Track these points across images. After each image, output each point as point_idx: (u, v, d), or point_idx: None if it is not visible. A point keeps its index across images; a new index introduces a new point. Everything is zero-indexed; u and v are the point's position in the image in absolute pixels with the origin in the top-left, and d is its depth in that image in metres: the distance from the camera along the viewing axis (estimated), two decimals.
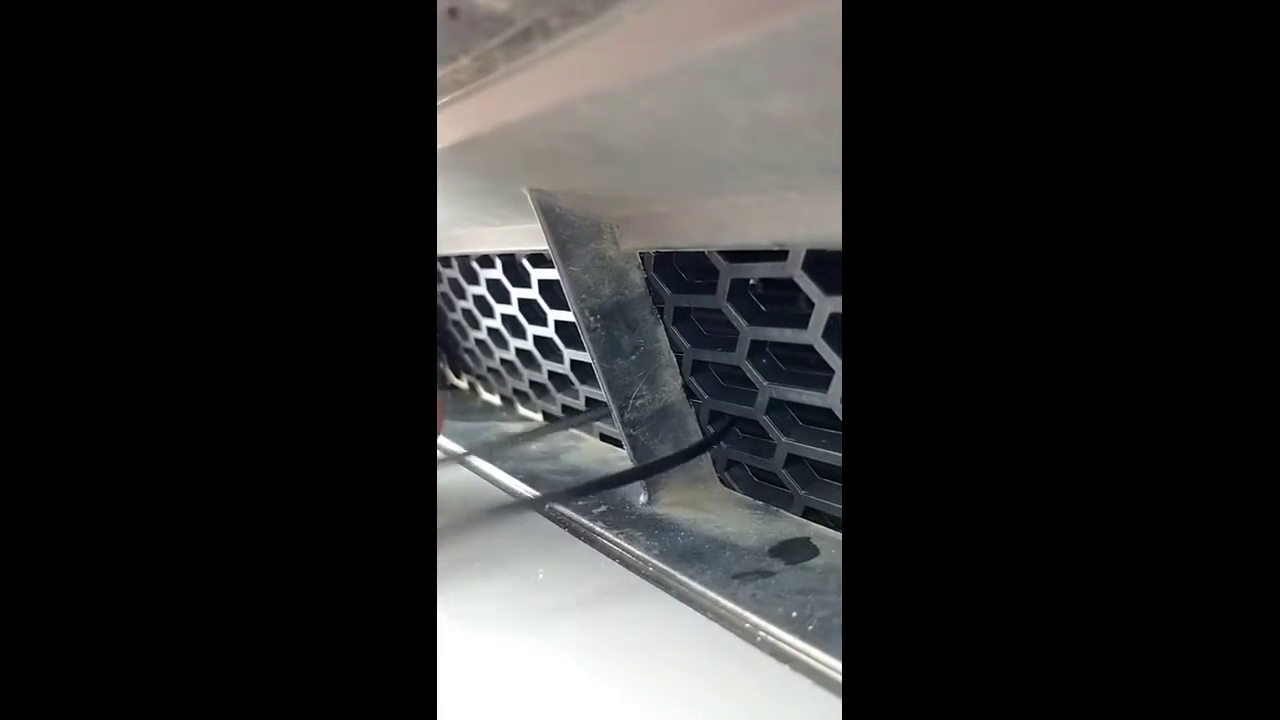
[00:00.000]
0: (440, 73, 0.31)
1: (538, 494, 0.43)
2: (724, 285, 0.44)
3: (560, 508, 0.52)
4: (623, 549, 0.45)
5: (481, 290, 0.72)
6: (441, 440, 0.66)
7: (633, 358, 0.48)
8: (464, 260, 0.72)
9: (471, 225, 0.63)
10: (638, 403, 0.48)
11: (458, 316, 0.80)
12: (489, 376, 0.84)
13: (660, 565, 0.42)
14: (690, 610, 0.38)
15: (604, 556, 0.45)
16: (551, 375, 0.69)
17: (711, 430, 0.49)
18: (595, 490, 0.43)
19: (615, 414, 0.48)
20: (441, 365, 0.92)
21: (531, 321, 0.67)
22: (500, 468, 0.62)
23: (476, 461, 0.65)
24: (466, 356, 0.86)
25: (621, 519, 0.49)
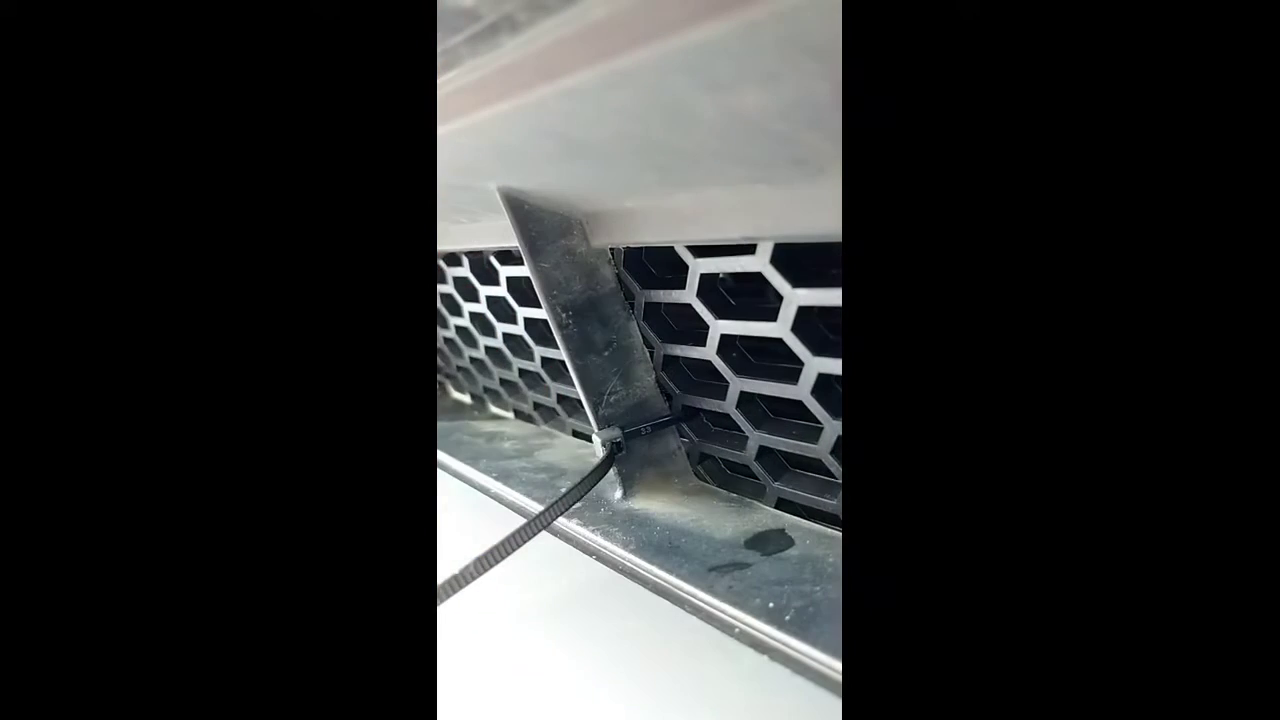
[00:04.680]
0: None
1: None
2: (693, 280, 0.44)
3: (534, 504, 0.52)
4: (599, 544, 0.45)
5: (449, 289, 0.71)
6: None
7: (606, 354, 0.48)
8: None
9: (438, 222, 0.63)
10: (612, 398, 0.48)
11: None
12: (459, 375, 0.83)
13: (637, 559, 0.42)
14: (667, 603, 0.38)
15: (580, 552, 0.45)
16: (522, 373, 0.68)
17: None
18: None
19: (589, 410, 0.48)
20: None
21: (501, 319, 0.66)
22: (474, 467, 0.62)
23: (448, 460, 0.65)
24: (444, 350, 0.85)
25: (597, 514, 0.49)
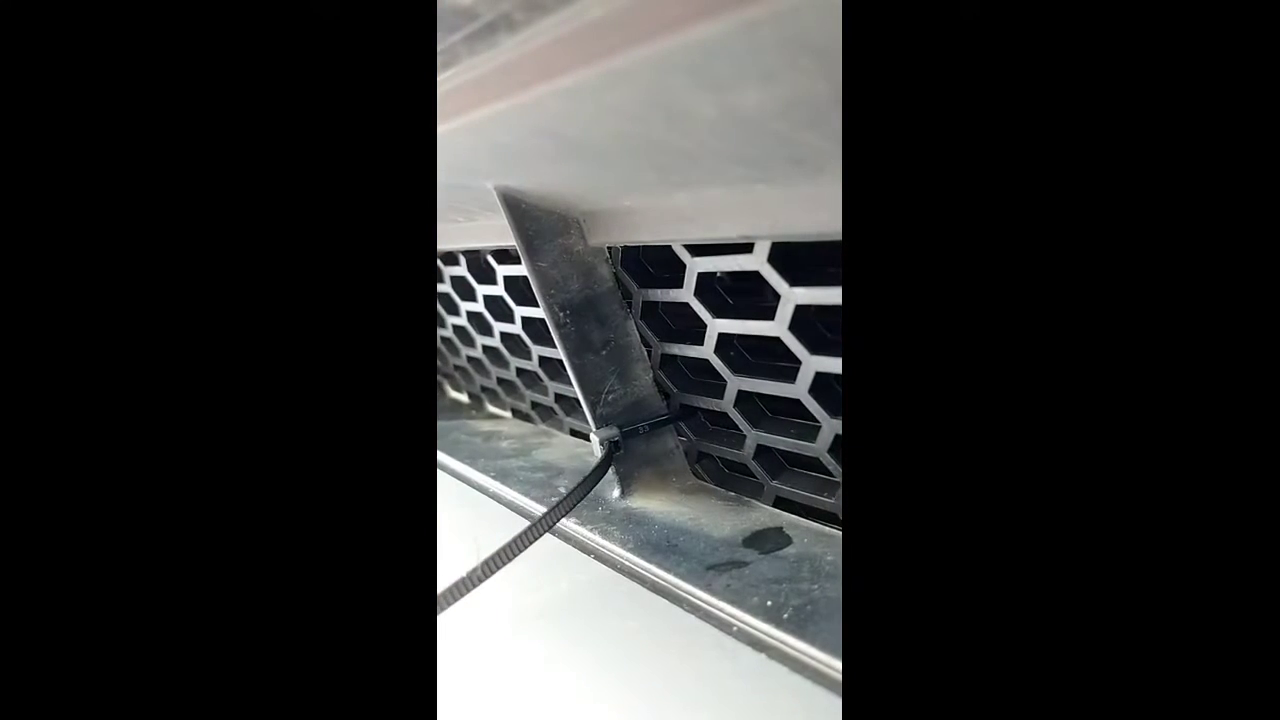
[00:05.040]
0: None
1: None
2: (691, 279, 0.44)
3: (532, 503, 0.52)
4: (597, 543, 0.45)
5: (446, 288, 0.71)
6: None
7: (603, 352, 0.48)
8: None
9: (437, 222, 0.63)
10: (609, 397, 0.48)
11: None
12: (456, 374, 0.83)
13: (635, 558, 0.42)
14: (666, 602, 0.38)
15: (579, 551, 0.45)
16: (520, 372, 0.68)
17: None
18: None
19: (587, 409, 0.48)
20: None
21: (498, 318, 0.66)
22: (472, 466, 0.62)
23: (446, 459, 0.65)
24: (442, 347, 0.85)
25: (595, 513, 0.49)
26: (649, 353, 0.50)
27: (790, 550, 0.41)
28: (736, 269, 0.41)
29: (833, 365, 0.38)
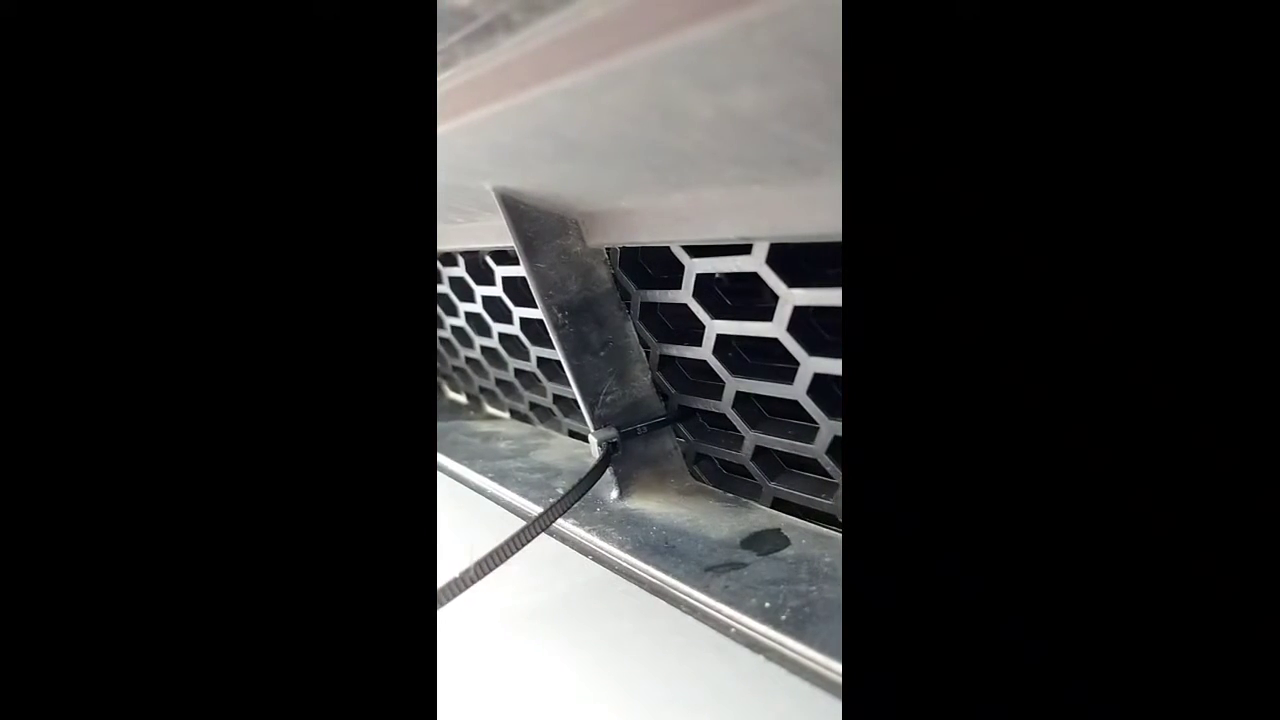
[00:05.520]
0: None
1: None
2: (689, 280, 0.44)
3: (529, 504, 0.52)
4: (595, 544, 0.45)
5: (445, 289, 0.71)
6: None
7: (602, 354, 0.48)
8: None
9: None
10: (608, 398, 0.48)
11: None
12: (455, 375, 0.83)
13: (633, 560, 0.42)
14: (663, 603, 0.38)
15: (576, 553, 0.45)
16: (518, 373, 0.68)
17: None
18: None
19: (585, 411, 0.48)
20: None
21: (497, 319, 0.66)
22: (470, 467, 0.62)
23: (444, 460, 0.65)
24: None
25: (593, 514, 0.49)
26: (647, 354, 0.50)
27: (788, 552, 0.41)
28: (735, 270, 0.41)
29: (831, 366, 0.38)
